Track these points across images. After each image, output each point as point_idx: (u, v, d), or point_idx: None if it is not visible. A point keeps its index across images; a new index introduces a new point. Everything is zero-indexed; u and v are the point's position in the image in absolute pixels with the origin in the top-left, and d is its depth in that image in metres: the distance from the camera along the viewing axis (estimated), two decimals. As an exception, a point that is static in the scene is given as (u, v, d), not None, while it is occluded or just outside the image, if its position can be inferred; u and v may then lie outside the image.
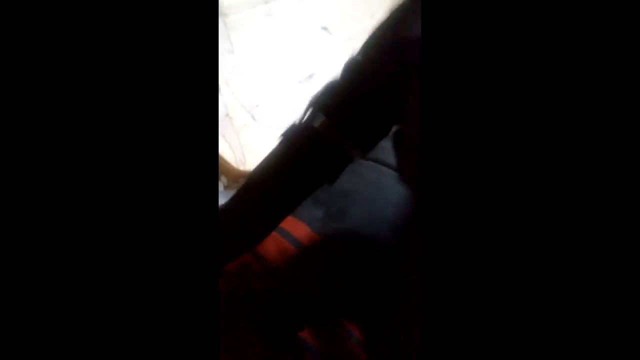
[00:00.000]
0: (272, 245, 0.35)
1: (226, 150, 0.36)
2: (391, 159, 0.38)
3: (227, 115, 0.38)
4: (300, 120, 0.29)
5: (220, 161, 0.35)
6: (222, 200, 0.48)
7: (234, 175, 0.35)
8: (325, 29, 0.44)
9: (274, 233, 0.35)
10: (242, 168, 0.35)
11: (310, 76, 0.41)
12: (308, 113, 0.29)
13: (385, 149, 0.39)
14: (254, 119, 0.39)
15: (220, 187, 0.43)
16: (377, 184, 0.36)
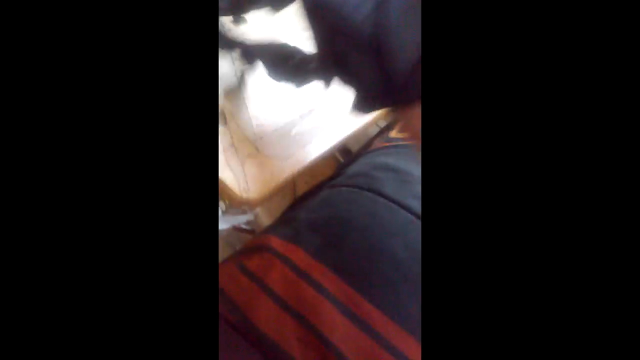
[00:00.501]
0: (275, 271, 0.36)
1: (230, 178, 0.38)
2: (386, 189, 0.39)
3: (232, 145, 0.41)
4: None
5: (225, 189, 0.37)
6: (221, 224, 0.49)
7: (237, 202, 0.37)
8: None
9: (274, 259, 0.36)
10: (245, 195, 0.37)
11: (311, 111, 0.44)
12: None
13: (380, 179, 0.40)
14: (257, 149, 0.41)
15: (219, 212, 0.44)
16: (372, 212, 0.38)
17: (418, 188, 0.39)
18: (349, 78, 0.26)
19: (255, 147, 0.41)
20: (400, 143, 0.50)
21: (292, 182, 0.46)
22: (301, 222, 0.41)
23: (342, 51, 0.25)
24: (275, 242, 0.39)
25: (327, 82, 0.29)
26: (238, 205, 0.37)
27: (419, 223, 0.36)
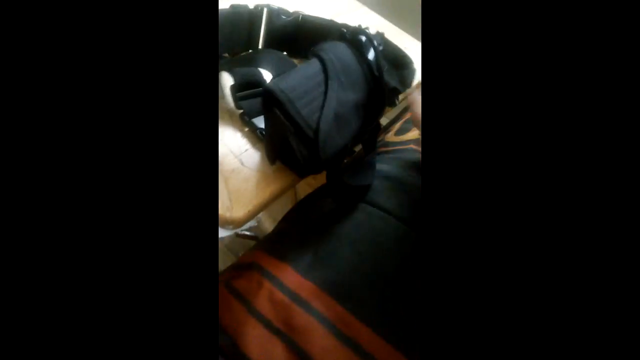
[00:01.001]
0: (263, 293, 0.34)
1: (213, 197, 0.36)
2: (379, 198, 0.37)
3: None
4: None
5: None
6: (223, 232, 0.47)
7: (220, 222, 0.35)
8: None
9: (266, 283, 0.35)
10: (228, 215, 0.35)
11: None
12: None
13: (374, 188, 0.38)
14: (242, 163, 0.40)
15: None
16: (364, 224, 0.36)
17: (413, 197, 0.37)
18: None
19: (240, 160, 0.40)
20: (398, 148, 0.48)
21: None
22: (292, 237, 0.39)
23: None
24: (264, 260, 0.37)
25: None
26: (222, 225, 0.35)
27: (412, 235, 0.34)
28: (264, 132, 0.40)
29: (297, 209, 0.46)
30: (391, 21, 0.64)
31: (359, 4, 0.67)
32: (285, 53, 0.50)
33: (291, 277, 0.34)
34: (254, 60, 0.39)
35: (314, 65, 0.36)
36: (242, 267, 0.38)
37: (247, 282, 0.35)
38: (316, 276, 0.34)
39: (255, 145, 0.41)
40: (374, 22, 0.64)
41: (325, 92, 0.34)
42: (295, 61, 0.48)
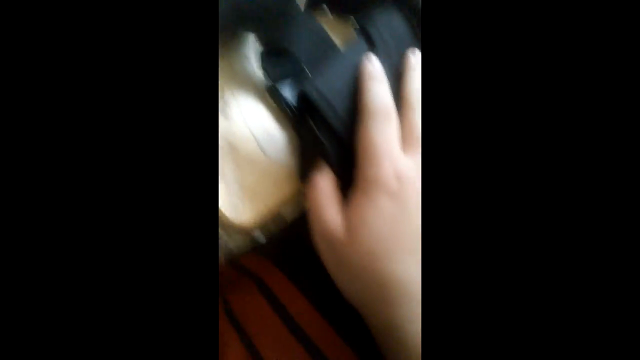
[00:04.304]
0: (251, 305, 0.28)
1: (222, 192, 0.29)
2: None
3: (230, 145, 0.32)
4: None
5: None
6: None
7: (227, 226, 0.28)
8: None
9: (253, 288, 0.28)
10: (235, 218, 0.28)
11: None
12: None
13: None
14: (263, 151, 0.32)
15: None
16: None
17: None
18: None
19: (261, 147, 0.32)
20: None
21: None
22: (308, 249, 0.33)
23: None
24: (259, 266, 0.31)
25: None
26: (227, 229, 0.29)
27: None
28: (290, 106, 0.32)
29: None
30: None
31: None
32: (325, 7, 0.41)
33: (301, 303, 0.28)
34: (284, 40, 0.30)
35: (360, 46, 0.28)
36: (239, 270, 0.32)
37: (239, 295, 0.29)
38: (301, 282, 0.28)
39: (285, 128, 0.34)
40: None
41: None
42: (337, 41, 0.39)
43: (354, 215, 0.24)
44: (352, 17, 0.41)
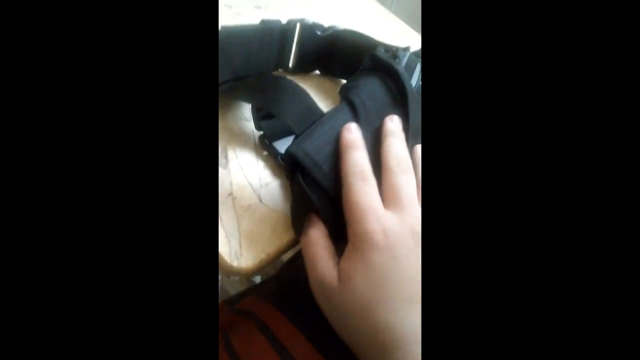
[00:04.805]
0: (254, 348, 0.28)
1: (221, 239, 0.30)
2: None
3: (230, 194, 0.34)
4: None
5: (213, 252, 0.30)
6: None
7: (226, 270, 0.29)
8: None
9: (256, 331, 0.28)
10: (236, 264, 0.29)
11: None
12: None
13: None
14: (260, 199, 0.34)
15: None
16: None
17: None
18: None
19: (258, 195, 0.34)
20: None
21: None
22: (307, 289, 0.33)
23: None
24: (259, 308, 0.32)
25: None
26: (227, 274, 0.30)
27: None
28: (283, 160, 0.34)
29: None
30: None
31: (409, 29, 0.62)
32: (318, 72, 0.45)
33: (282, 325, 0.28)
34: (275, 103, 0.34)
35: (343, 113, 0.31)
36: (242, 313, 0.32)
37: (242, 337, 0.29)
38: (303, 324, 0.28)
39: (279, 178, 0.36)
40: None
41: None
42: (328, 99, 0.43)
43: (347, 266, 0.25)
44: (341, 80, 0.45)
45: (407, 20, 0.61)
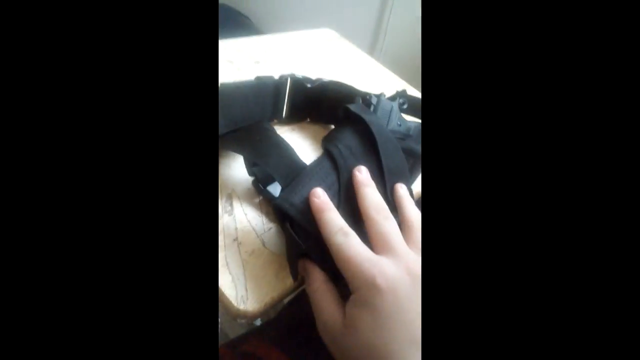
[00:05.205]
0: None
1: (228, 283, 0.32)
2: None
3: (235, 240, 0.36)
4: None
5: (221, 297, 0.31)
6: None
7: (233, 314, 0.31)
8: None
9: None
10: (242, 307, 0.31)
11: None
12: None
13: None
14: (264, 244, 0.36)
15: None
16: None
17: None
18: None
19: (262, 240, 0.36)
20: None
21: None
22: (311, 329, 0.34)
23: None
24: (263, 350, 0.33)
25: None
26: (234, 317, 0.31)
27: None
28: (274, 210, 0.37)
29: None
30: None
31: (394, 76, 0.66)
32: (308, 120, 0.49)
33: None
34: (262, 157, 0.37)
35: (323, 163, 0.35)
36: (244, 355, 0.33)
37: None
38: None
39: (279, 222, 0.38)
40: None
41: (339, 191, 0.33)
42: (313, 150, 0.46)
43: (352, 311, 0.27)
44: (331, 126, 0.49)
45: (392, 68, 0.66)
